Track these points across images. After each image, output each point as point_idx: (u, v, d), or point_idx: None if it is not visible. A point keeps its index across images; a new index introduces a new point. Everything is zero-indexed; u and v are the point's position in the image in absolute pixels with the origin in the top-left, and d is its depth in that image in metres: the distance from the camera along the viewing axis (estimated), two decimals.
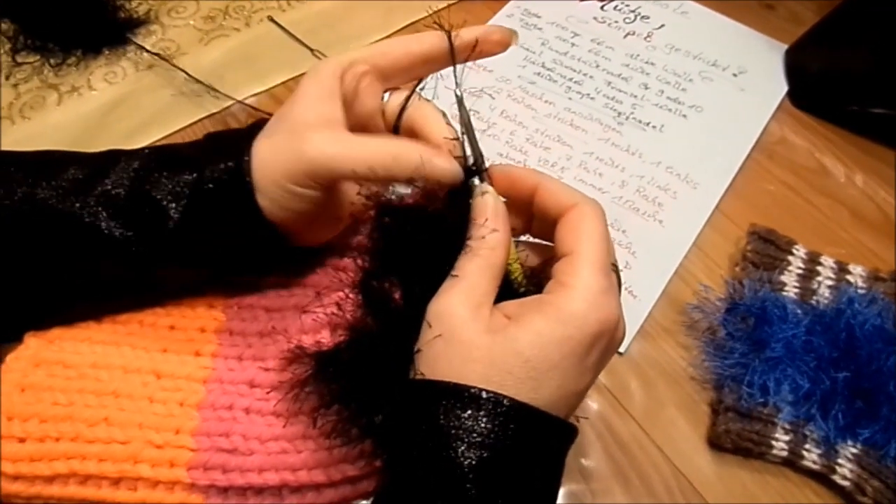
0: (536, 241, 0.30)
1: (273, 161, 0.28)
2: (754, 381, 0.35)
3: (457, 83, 0.29)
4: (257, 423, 0.32)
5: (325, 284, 0.35)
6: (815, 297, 0.39)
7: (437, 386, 0.24)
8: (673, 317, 0.41)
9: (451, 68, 0.30)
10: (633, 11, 0.57)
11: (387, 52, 0.30)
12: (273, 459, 0.31)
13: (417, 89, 0.31)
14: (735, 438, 0.35)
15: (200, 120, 0.49)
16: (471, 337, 0.24)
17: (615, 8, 0.57)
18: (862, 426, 0.34)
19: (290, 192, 0.28)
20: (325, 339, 0.30)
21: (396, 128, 0.31)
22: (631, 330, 0.40)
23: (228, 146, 0.29)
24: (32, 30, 0.51)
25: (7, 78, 0.50)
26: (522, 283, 0.28)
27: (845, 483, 0.34)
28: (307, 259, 0.35)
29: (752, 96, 0.52)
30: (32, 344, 0.33)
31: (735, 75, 0.53)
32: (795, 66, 0.53)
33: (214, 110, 0.49)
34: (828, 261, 0.41)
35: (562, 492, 0.35)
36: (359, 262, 0.28)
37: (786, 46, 0.54)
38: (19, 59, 0.51)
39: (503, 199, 0.28)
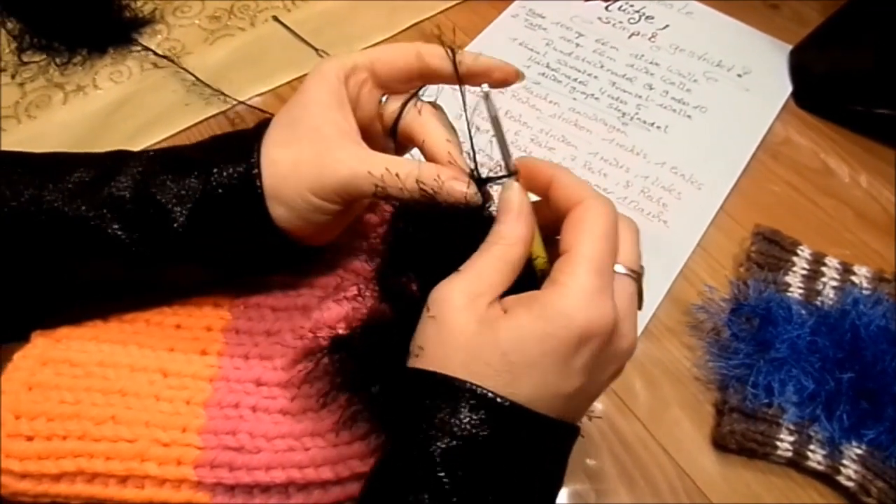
0: None
1: (296, 174, 0.28)
2: (759, 381, 0.35)
3: (464, 104, 0.28)
4: (264, 421, 0.32)
5: (334, 285, 0.35)
6: (819, 298, 0.39)
7: (419, 374, 0.24)
8: (677, 317, 0.41)
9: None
10: (637, 12, 0.57)
11: (387, 62, 0.30)
12: (280, 457, 0.31)
13: (423, 95, 0.31)
14: (739, 439, 0.35)
15: (206, 119, 0.49)
16: (460, 324, 0.24)
17: (620, 8, 0.57)
18: (867, 427, 0.34)
19: (313, 205, 0.28)
20: (342, 331, 0.30)
21: (394, 131, 0.31)
22: (637, 330, 0.40)
23: (236, 150, 0.29)
24: (38, 29, 0.51)
25: (13, 77, 0.50)
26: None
27: (850, 484, 0.34)
28: (314, 259, 0.35)
29: (757, 97, 0.52)
30: (40, 343, 0.33)
31: (739, 76, 0.53)
32: (800, 66, 0.52)
33: (220, 109, 0.49)
34: (832, 261, 0.41)
35: (566, 492, 0.35)
36: (374, 260, 0.28)
37: (790, 47, 0.54)
38: (25, 59, 0.51)
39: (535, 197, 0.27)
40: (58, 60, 0.51)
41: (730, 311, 0.38)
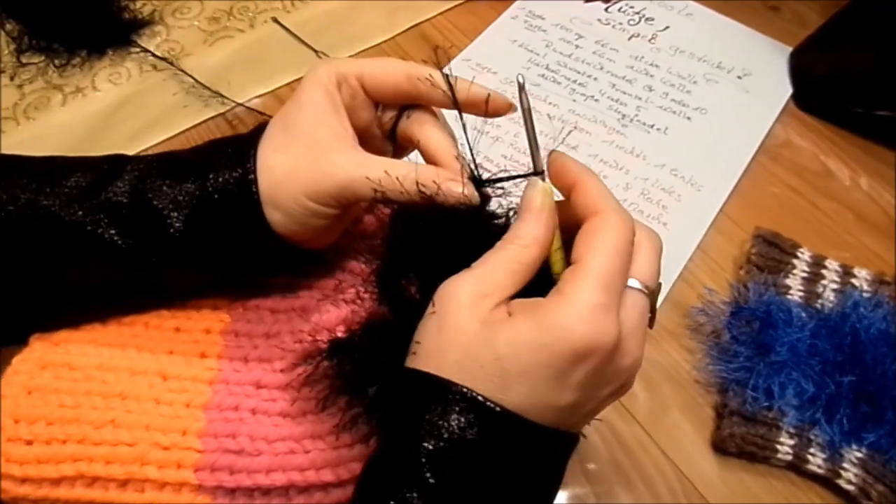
0: None
1: (292, 179, 0.28)
2: (759, 384, 0.35)
3: (465, 132, 0.28)
4: (264, 424, 0.32)
5: (332, 286, 0.35)
6: (819, 301, 0.39)
7: (414, 374, 0.24)
8: (677, 320, 0.41)
9: (457, 70, 0.29)
10: (637, 13, 0.57)
11: (376, 77, 0.29)
12: (280, 460, 0.31)
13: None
14: (739, 442, 0.35)
15: (205, 121, 0.49)
16: (461, 323, 0.24)
17: (619, 10, 0.57)
18: (867, 430, 0.34)
19: (310, 210, 0.28)
20: (341, 334, 0.30)
21: (393, 133, 0.31)
22: None
23: (232, 155, 0.29)
24: (37, 30, 0.51)
25: (12, 79, 0.50)
26: None
27: (850, 487, 0.34)
28: (313, 261, 0.35)
29: (757, 98, 0.51)
30: (38, 346, 0.33)
31: (739, 77, 0.53)
32: (800, 68, 0.52)
33: (219, 111, 0.49)
34: (832, 264, 0.41)
35: (566, 495, 0.35)
36: (373, 262, 0.28)
37: (790, 48, 0.54)
38: (24, 60, 0.51)
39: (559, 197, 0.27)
40: (57, 62, 0.51)
41: (730, 313, 0.38)
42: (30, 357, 0.33)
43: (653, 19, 0.57)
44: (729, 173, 0.47)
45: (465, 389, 0.23)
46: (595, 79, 0.53)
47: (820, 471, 0.35)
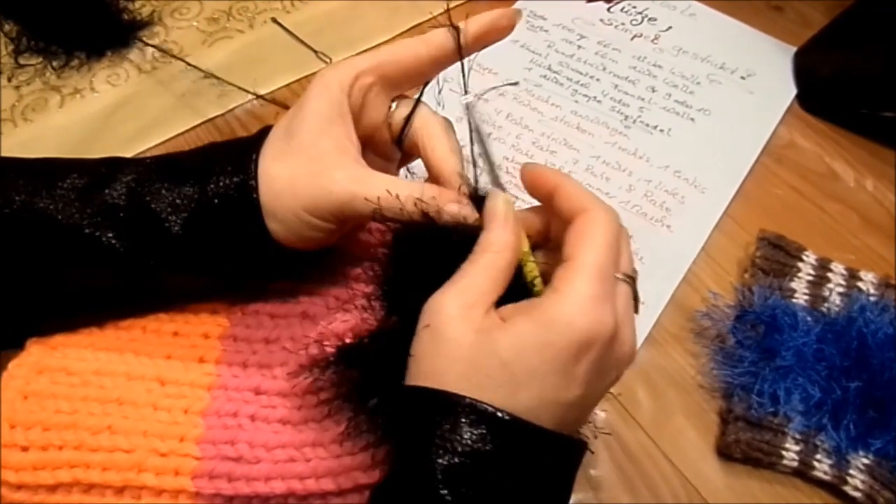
0: None
1: (291, 191, 0.28)
2: (764, 389, 0.35)
3: (465, 90, 0.29)
4: (263, 431, 0.32)
5: (335, 292, 0.35)
6: (825, 305, 0.39)
7: (417, 390, 0.24)
8: (681, 323, 0.40)
9: (456, 72, 0.29)
10: (640, 13, 0.57)
11: (394, 60, 0.29)
12: (280, 468, 0.31)
13: (426, 99, 0.31)
14: (745, 448, 0.34)
15: (204, 122, 0.49)
16: (455, 335, 0.24)
17: (622, 10, 0.57)
18: (874, 436, 0.34)
19: (308, 223, 0.28)
20: (350, 341, 0.30)
21: (401, 141, 0.31)
22: (639, 337, 0.39)
23: (233, 160, 0.29)
24: (35, 31, 0.51)
25: (9, 80, 0.50)
26: (539, 286, 0.27)
27: (857, 494, 0.34)
28: (313, 265, 0.35)
29: (761, 99, 0.51)
30: (35, 351, 0.33)
31: (743, 78, 0.52)
32: (804, 68, 0.52)
33: (218, 113, 0.49)
34: (838, 267, 0.41)
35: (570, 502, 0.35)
36: (377, 272, 0.28)
37: (794, 49, 0.53)
38: (22, 61, 0.50)
39: (527, 205, 0.27)
40: (55, 63, 0.50)
41: (734, 317, 0.38)
42: (26, 361, 0.32)
43: (655, 19, 0.56)
44: (733, 175, 0.47)
45: (473, 401, 0.23)
46: (597, 80, 0.52)
47: (826, 477, 0.34)
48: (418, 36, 0.29)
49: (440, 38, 0.29)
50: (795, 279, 0.40)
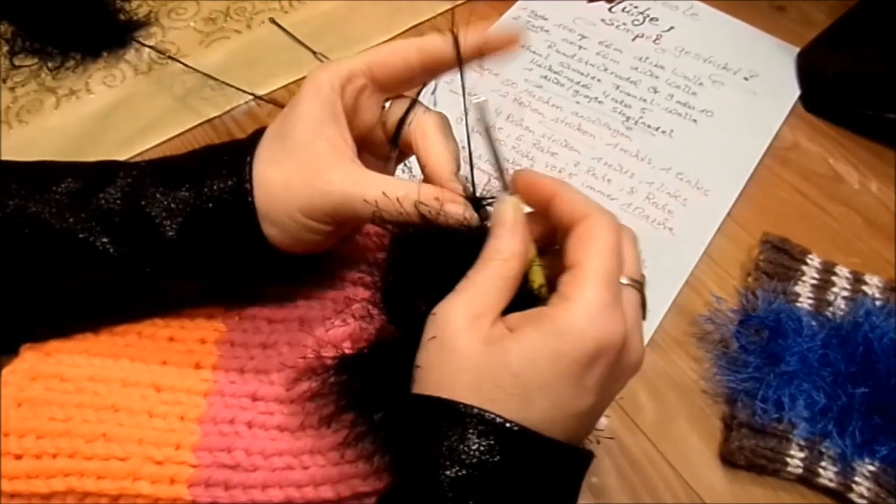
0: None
1: (286, 195, 0.27)
2: (769, 395, 0.34)
3: (464, 91, 0.28)
4: (260, 438, 0.31)
5: (332, 296, 0.34)
6: (830, 309, 0.38)
7: (424, 399, 0.24)
8: (684, 328, 0.40)
9: (457, 73, 0.29)
10: (641, 13, 0.56)
11: (384, 63, 0.29)
12: (277, 475, 0.30)
13: (420, 98, 0.30)
14: (749, 455, 0.34)
15: (201, 124, 0.48)
16: (464, 346, 0.23)
17: (623, 10, 0.56)
18: (880, 443, 0.33)
19: (305, 226, 0.28)
20: (348, 349, 0.29)
21: (395, 140, 0.30)
22: None
23: (227, 163, 0.28)
24: (31, 32, 0.50)
25: (4, 81, 0.49)
26: (545, 293, 0.27)
27: (862, 501, 0.33)
28: (310, 269, 0.34)
29: (764, 100, 0.51)
30: (29, 357, 0.32)
31: (746, 79, 0.52)
32: (808, 69, 0.51)
33: (216, 114, 0.48)
34: (843, 271, 0.40)
35: None
36: (375, 277, 0.28)
37: (797, 49, 0.53)
38: (17, 62, 0.50)
39: (528, 209, 0.27)
40: (50, 64, 0.50)
41: (738, 322, 0.37)
42: (20, 368, 0.32)
43: (657, 19, 0.56)
44: (736, 177, 0.47)
45: (482, 412, 0.22)
46: (599, 80, 0.52)
47: (831, 484, 0.34)
48: (414, 39, 0.29)
49: (435, 45, 0.28)
50: (799, 283, 0.39)
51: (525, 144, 0.48)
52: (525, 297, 0.26)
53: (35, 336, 0.32)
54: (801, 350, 0.35)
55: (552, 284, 0.26)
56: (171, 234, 0.28)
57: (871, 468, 0.34)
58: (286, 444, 0.31)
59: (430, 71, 0.29)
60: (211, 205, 0.28)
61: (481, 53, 0.28)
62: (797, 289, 0.39)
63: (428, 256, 0.26)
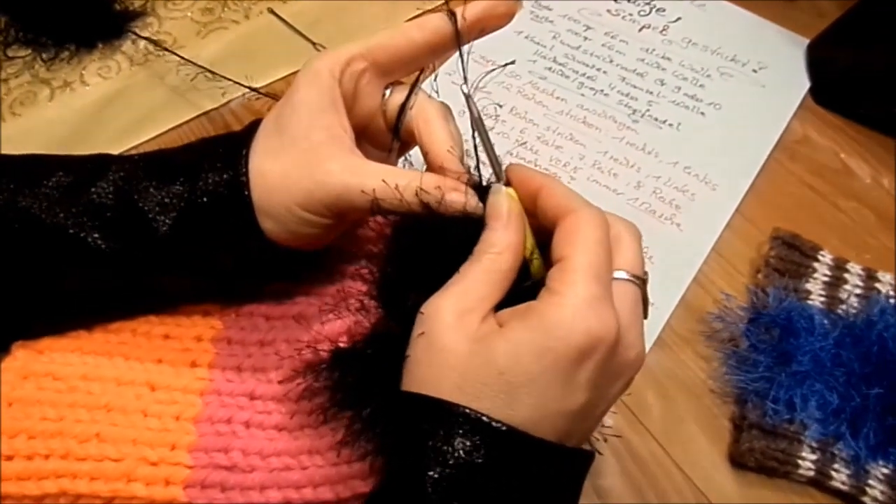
0: None
1: (284, 187, 0.26)
2: (780, 396, 0.33)
3: (465, 78, 0.27)
4: (258, 438, 0.31)
5: (331, 292, 0.33)
6: (842, 307, 0.37)
7: (412, 397, 0.23)
8: (692, 326, 0.39)
9: (456, 64, 0.28)
10: (648, 4, 0.55)
11: (386, 45, 0.28)
12: (275, 476, 0.30)
13: (421, 86, 0.29)
14: (759, 457, 0.33)
15: (198, 116, 0.47)
16: (450, 343, 0.23)
17: (629, 0, 0.55)
18: (895, 445, 0.32)
19: (303, 219, 0.27)
20: (344, 344, 0.29)
21: (397, 129, 0.29)
22: (648, 339, 0.38)
23: (223, 155, 0.27)
24: (24, 22, 0.49)
25: None
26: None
27: None
28: (309, 265, 0.33)
29: (773, 93, 0.50)
30: (20, 355, 0.31)
31: (755, 71, 0.51)
32: (818, 61, 0.50)
33: (213, 106, 0.48)
34: (855, 268, 0.39)
35: None
36: (373, 270, 0.27)
37: (807, 41, 0.52)
38: (10, 54, 0.49)
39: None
40: (44, 55, 0.49)
41: (748, 320, 0.37)
42: (11, 366, 0.31)
43: (664, 10, 0.55)
44: (745, 171, 0.46)
45: (468, 410, 0.22)
46: (604, 72, 0.51)
47: (844, 487, 0.33)
48: (413, 20, 0.28)
49: (436, 23, 0.28)
50: (811, 280, 0.39)
51: (529, 138, 0.47)
52: (525, 291, 0.25)
53: (27, 334, 0.32)
54: (813, 349, 0.34)
55: None
56: (164, 229, 0.27)
57: (885, 471, 0.33)
58: (284, 444, 0.30)
59: (432, 50, 0.28)
60: (206, 199, 0.27)
61: (482, 27, 0.28)
62: (808, 286, 0.38)
63: (428, 248, 0.26)
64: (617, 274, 0.24)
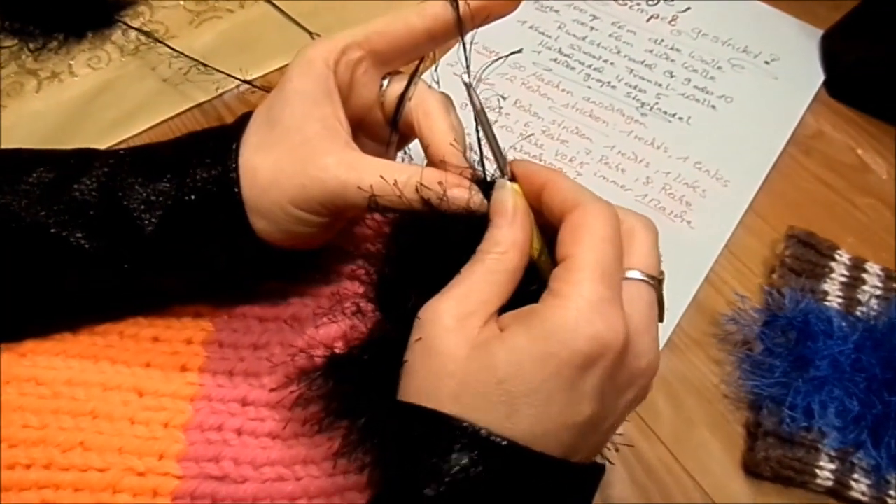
0: None
1: (277, 185, 0.25)
2: (797, 402, 0.32)
3: (467, 68, 0.26)
4: (250, 446, 0.30)
5: (327, 294, 0.32)
6: (860, 308, 0.36)
7: (406, 408, 0.22)
8: (703, 328, 0.38)
9: (457, 54, 0.26)
10: None
11: (384, 32, 0.27)
12: (268, 487, 0.29)
13: (421, 76, 0.28)
14: (775, 466, 0.32)
15: (190, 109, 0.46)
16: (449, 349, 0.21)
17: None
18: None
19: (297, 218, 0.25)
20: (340, 350, 0.28)
21: (395, 121, 0.28)
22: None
23: (212, 150, 0.26)
24: (10, 11, 0.48)
25: None
26: None
27: None
28: (303, 265, 0.32)
29: (786, 86, 0.48)
30: (2, 359, 0.30)
31: (767, 63, 0.49)
32: (832, 53, 0.49)
33: (206, 98, 0.46)
34: (873, 268, 0.38)
35: None
36: (370, 270, 0.26)
37: (822, 32, 0.50)
38: None
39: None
40: (31, 45, 0.47)
41: (763, 322, 0.35)
42: None
43: None
44: (757, 167, 0.44)
45: (465, 424, 0.20)
46: (612, 64, 0.49)
47: (864, 498, 0.32)
48: (412, 7, 0.27)
49: (436, 9, 0.26)
50: (828, 281, 0.37)
51: (534, 131, 0.46)
52: (532, 295, 0.23)
53: (8, 336, 0.30)
54: (832, 353, 0.33)
55: None
56: (150, 228, 0.26)
57: None
58: (278, 454, 0.29)
59: (433, 37, 0.27)
60: (194, 196, 0.26)
61: (486, 14, 0.27)
62: (825, 287, 0.37)
63: (429, 247, 0.24)
64: (629, 273, 0.23)
